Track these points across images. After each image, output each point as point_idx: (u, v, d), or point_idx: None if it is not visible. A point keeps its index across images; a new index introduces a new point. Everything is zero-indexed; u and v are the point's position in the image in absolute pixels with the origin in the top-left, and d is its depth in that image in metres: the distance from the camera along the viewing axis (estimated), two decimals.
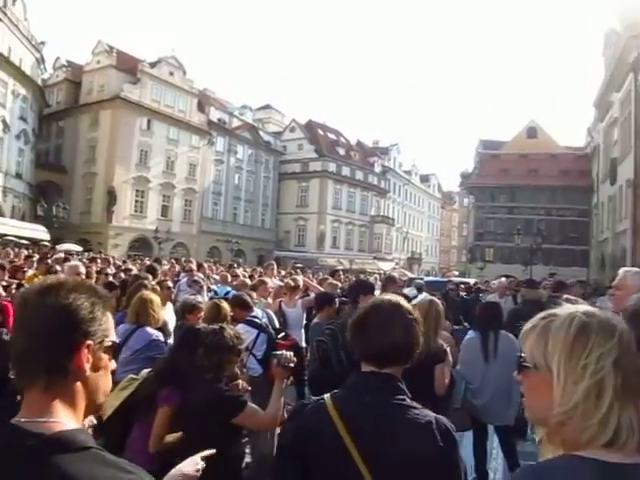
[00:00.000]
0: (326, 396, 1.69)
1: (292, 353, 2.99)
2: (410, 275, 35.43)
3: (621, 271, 3.39)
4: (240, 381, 3.48)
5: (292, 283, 7.12)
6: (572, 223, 51.52)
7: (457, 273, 51.71)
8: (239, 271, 12.30)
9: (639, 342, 1.40)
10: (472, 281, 16.96)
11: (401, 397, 1.62)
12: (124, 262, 16.21)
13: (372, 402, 1.60)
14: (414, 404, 1.63)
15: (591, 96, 43.45)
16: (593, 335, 1.01)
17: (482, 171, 56.56)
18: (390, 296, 1.84)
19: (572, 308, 1.09)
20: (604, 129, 38.95)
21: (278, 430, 5.96)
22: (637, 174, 27.03)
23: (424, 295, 5.73)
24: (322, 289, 7.43)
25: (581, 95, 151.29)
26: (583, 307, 1.09)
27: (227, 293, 7.90)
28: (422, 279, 14.74)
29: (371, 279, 17.21)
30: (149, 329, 4.27)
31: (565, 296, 5.21)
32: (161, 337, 4.34)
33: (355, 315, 1.79)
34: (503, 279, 10.85)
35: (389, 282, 6.80)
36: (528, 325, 1.12)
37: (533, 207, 52.87)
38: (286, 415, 6.90)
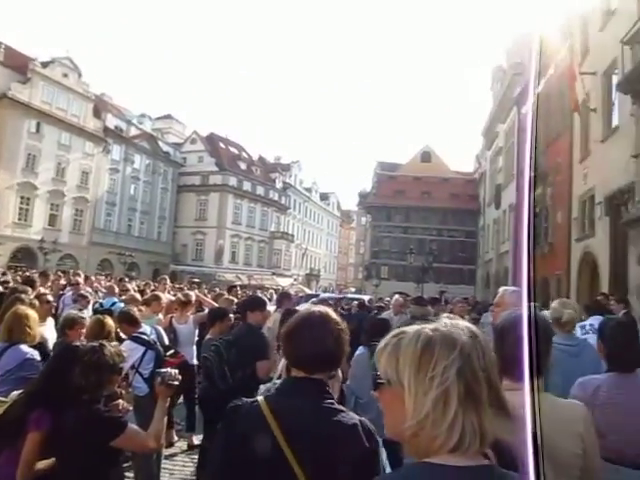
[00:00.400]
0: (259, 398, 1.72)
1: (177, 371, 2.91)
2: (308, 291, 35.82)
3: (501, 289, 3.63)
4: (121, 401, 3.31)
5: (183, 298, 6.94)
6: (461, 243, 54.56)
7: (353, 290, 53.09)
8: (130, 285, 11.81)
9: (505, 357, 1.48)
10: (367, 297, 17.37)
11: (330, 401, 1.70)
12: (3, 274, 15.05)
13: (304, 405, 1.65)
14: (341, 407, 1.71)
15: (480, 126, 46.41)
16: (437, 348, 1.07)
17: (379, 191, 58.57)
18: (320, 307, 1.90)
19: (421, 326, 1.14)
20: (490, 157, 41.76)
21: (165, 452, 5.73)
22: (518, 200, 29.12)
23: None
24: (216, 304, 7.30)
25: (471, 124, 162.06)
26: (433, 324, 1.14)
27: (113, 304, 7.59)
28: (318, 295, 14.94)
29: (269, 295, 17.22)
30: (23, 347, 3.94)
31: (445, 314, 5.46)
32: (36, 356, 4.02)
33: (287, 325, 1.84)
34: (397, 296, 11.20)
35: (284, 298, 6.82)
36: (381, 343, 1.17)
37: (426, 227, 55.49)
38: (175, 436, 6.68)
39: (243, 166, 58.79)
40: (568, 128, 19.56)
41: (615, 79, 14.61)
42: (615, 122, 15.53)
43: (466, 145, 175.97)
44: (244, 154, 61.81)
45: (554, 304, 3.68)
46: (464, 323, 1.18)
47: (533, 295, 1.22)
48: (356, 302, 14.59)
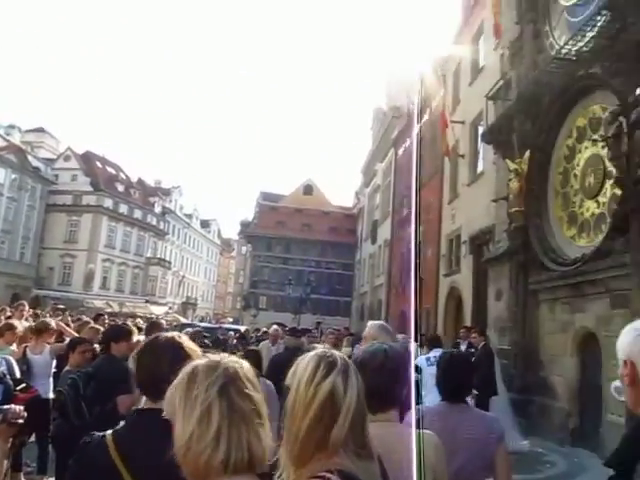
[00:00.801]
0: (108, 432, 1.69)
1: (22, 407, 2.61)
2: (183, 320, 34.63)
3: (369, 323, 3.75)
4: None
5: (39, 325, 6.36)
6: (338, 276, 55.94)
7: (231, 319, 52.22)
8: None
9: (368, 389, 1.46)
10: (243, 328, 17.14)
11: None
12: None
13: (148, 437, 1.58)
14: None
15: (360, 163, 48.40)
16: (200, 372, 1.17)
17: (261, 221, 58.76)
18: (170, 333, 1.89)
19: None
20: (369, 194, 43.54)
21: None
22: (393, 236, 30.54)
23: None
24: (78, 334, 6.77)
25: (353, 161, 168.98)
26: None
27: None
28: (194, 325, 14.50)
29: (141, 323, 16.35)
30: None
31: (314, 344, 5.68)
32: None
33: (137, 350, 1.86)
34: (275, 326, 11.28)
35: (154, 328, 6.47)
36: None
37: (305, 259, 56.35)
38: (22, 478, 6.04)
39: (121, 188, 56.21)
40: (439, 171, 20.90)
41: (481, 129, 15.92)
42: (480, 168, 16.87)
43: (346, 181, 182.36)
44: (122, 175, 59.19)
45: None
46: (337, 353, 1.31)
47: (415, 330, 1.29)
48: (232, 332, 14.35)
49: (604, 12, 7.32)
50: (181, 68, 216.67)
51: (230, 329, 16.41)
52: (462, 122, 18.46)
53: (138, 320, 21.45)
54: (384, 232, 33.42)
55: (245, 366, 1.23)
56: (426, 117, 23.55)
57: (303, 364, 1.27)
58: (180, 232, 68.22)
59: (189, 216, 71.63)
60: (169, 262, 62.03)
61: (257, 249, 58.74)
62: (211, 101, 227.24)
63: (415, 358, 3.09)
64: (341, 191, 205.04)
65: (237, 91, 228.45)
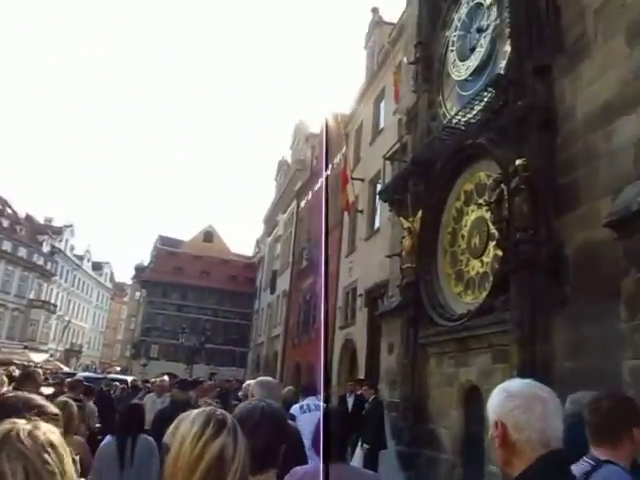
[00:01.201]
0: None
1: None
2: (65, 369, 32.37)
3: (252, 382, 3.84)
4: None
5: None
6: (236, 325, 54.87)
7: (119, 369, 49.34)
8: None
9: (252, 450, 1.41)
10: (130, 379, 16.23)
11: None
12: None
13: None
14: None
15: (263, 212, 48.63)
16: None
17: (158, 266, 56.87)
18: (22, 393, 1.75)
19: None
20: (269, 243, 43.65)
21: None
22: (291, 287, 30.64)
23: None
24: None
25: (256, 210, 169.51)
26: None
27: None
28: (75, 374, 13.54)
29: (16, 372, 14.97)
30: None
31: (204, 399, 5.54)
32: None
33: None
34: (166, 377, 10.81)
35: (27, 380, 5.92)
36: None
37: (202, 307, 54.93)
38: None
39: (5, 223, 52.34)
40: (339, 224, 21.45)
41: (379, 187, 16.62)
42: (377, 224, 17.52)
43: (248, 229, 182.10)
44: (8, 210, 55.34)
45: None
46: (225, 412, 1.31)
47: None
48: (118, 383, 13.54)
49: (490, 89, 8.02)
50: (79, 98, 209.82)
51: (116, 379, 15.47)
52: (362, 179, 19.22)
53: (13, 368, 19.69)
54: (283, 282, 33.45)
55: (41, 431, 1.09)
56: (329, 172, 24.27)
57: (188, 421, 1.20)
58: (69, 274, 64.26)
59: (80, 257, 67.86)
60: (54, 305, 57.94)
61: (152, 295, 56.53)
62: (112, 138, 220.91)
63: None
64: (242, 239, 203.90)
65: (141, 129, 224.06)
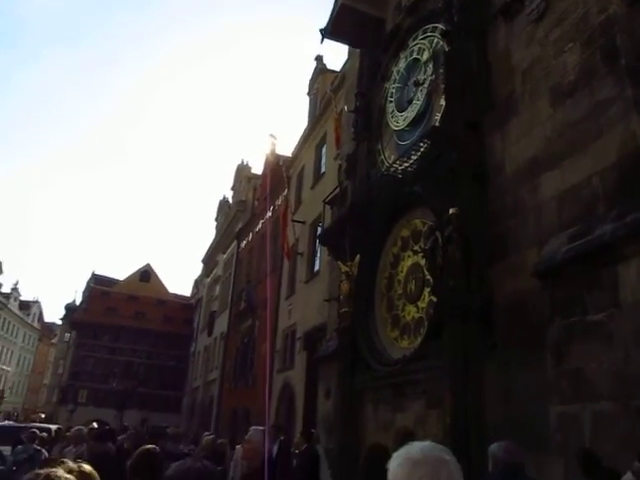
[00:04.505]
0: None
1: None
2: None
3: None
4: None
5: None
6: (171, 369, 52.92)
7: (44, 416, 46.45)
8: None
9: None
10: (54, 427, 15.31)
11: None
12: None
13: None
14: None
15: (202, 252, 47.87)
16: None
17: (90, 306, 54.65)
18: None
19: None
20: (208, 284, 42.92)
21: None
22: (230, 329, 30.09)
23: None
24: None
25: (196, 250, 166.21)
26: None
27: None
28: None
29: None
30: None
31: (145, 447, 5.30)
32: None
33: None
34: (95, 424, 10.43)
35: None
36: None
37: (135, 350, 52.85)
38: None
39: None
40: (278, 267, 21.40)
41: (319, 230, 16.76)
42: (317, 267, 17.59)
43: (187, 269, 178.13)
44: None
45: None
46: None
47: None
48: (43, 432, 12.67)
49: (425, 140, 8.35)
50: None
51: (39, 428, 14.53)
52: (303, 222, 19.36)
53: None
54: (221, 324, 32.82)
55: None
56: (269, 214, 24.35)
57: None
58: None
59: (7, 296, 64.38)
60: None
61: (82, 336, 53.97)
62: (46, 169, 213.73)
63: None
64: (180, 279, 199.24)
65: (78, 160, 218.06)
